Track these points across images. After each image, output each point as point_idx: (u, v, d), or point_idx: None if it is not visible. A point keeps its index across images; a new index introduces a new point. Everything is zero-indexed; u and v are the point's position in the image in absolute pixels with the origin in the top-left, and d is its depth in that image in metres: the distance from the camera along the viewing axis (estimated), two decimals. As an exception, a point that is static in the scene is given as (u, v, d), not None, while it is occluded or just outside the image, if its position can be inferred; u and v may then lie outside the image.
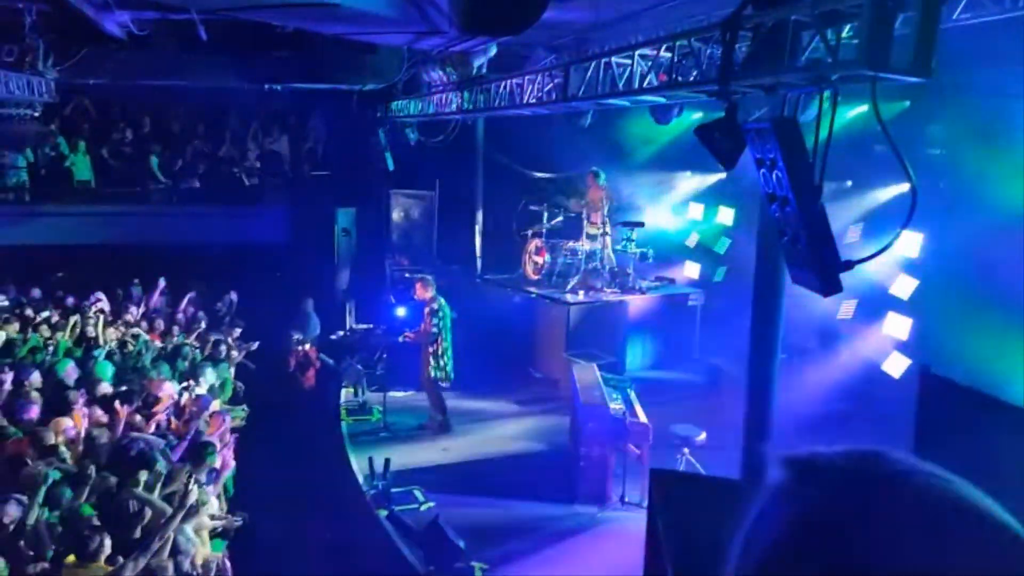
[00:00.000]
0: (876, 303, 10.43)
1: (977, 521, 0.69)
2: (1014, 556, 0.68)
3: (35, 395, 8.67)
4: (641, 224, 13.47)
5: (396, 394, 11.62)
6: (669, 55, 7.29)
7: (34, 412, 8.38)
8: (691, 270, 13.78)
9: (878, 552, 0.67)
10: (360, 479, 9.28)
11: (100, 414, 8.39)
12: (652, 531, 4.44)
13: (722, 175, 13.11)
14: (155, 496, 6.61)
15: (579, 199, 13.10)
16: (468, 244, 15.03)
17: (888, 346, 10.20)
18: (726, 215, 13.48)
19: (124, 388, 9.03)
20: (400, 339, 10.94)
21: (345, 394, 11.95)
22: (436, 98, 12.32)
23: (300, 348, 12.14)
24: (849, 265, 6.10)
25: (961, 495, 0.71)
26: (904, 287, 10.02)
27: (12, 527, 5.95)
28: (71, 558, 5.75)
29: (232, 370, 10.71)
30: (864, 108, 9.01)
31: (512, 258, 14.23)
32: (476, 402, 11.30)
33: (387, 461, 9.27)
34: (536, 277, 13.69)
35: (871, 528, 0.68)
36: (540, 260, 13.66)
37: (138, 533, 6.18)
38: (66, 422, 7.89)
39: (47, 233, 14.49)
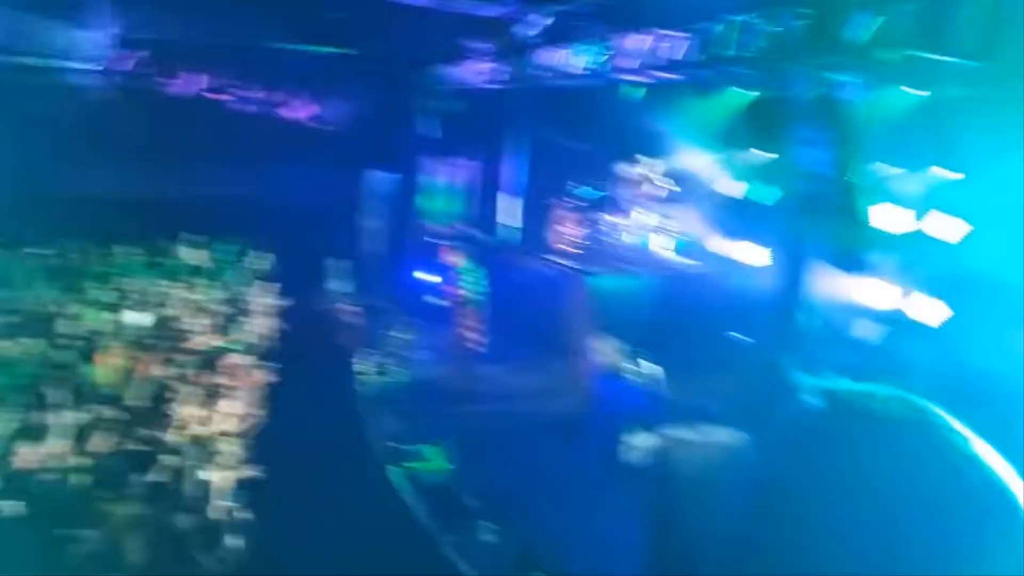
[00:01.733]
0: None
1: (989, 482, 0.73)
2: (1010, 519, 0.72)
3: (67, 342, 8.86)
4: (672, 199, 13.25)
5: (417, 355, 11.64)
6: (722, 30, 7.14)
7: (65, 357, 8.56)
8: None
9: (899, 488, 0.72)
10: (375, 437, 9.32)
11: (128, 359, 8.53)
12: (661, 494, 4.40)
13: (762, 153, 12.83)
14: (178, 440, 6.73)
15: (623, 178, 12.97)
16: (502, 213, 14.94)
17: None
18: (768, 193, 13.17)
19: (151, 335, 9.16)
20: (432, 303, 10.92)
21: (366, 353, 12.00)
22: (476, 66, 12.22)
23: (340, 307, 12.22)
24: (879, 245, 5.95)
25: (980, 456, 0.75)
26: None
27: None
28: (102, 494, 5.89)
29: (258, 324, 10.80)
30: (919, 92, 8.73)
31: (540, 227, 14.11)
32: (497, 367, 11.27)
33: (404, 423, 9.24)
34: (563, 248, 13.60)
35: (898, 466, 0.73)
36: (570, 231, 13.56)
37: (159, 474, 6.29)
38: (93, 369, 8.06)
39: (96, 186, 14.59)
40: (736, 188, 13.70)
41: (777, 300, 6.97)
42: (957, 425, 0.76)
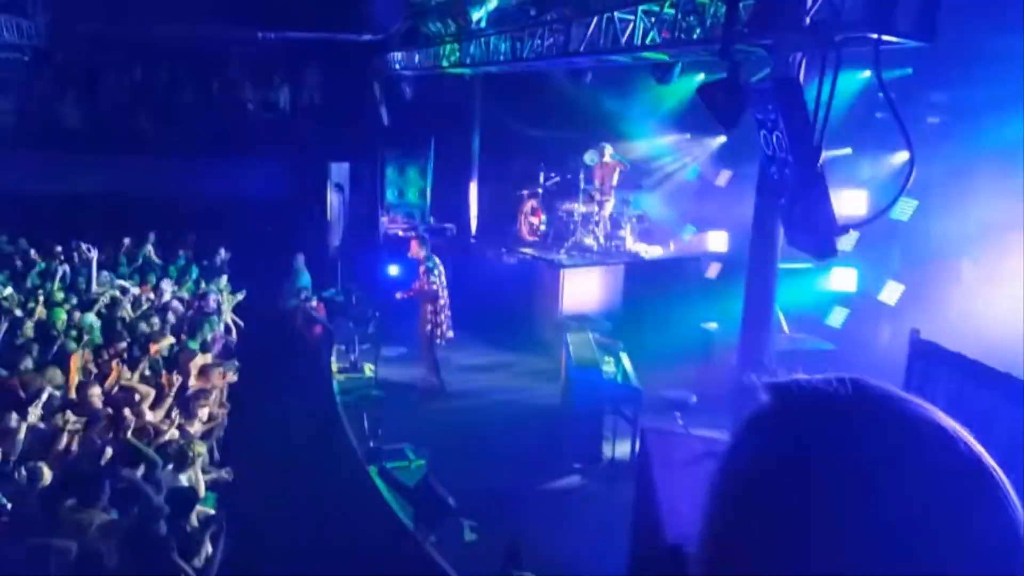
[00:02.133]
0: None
1: (950, 448, 0.72)
2: (977, 483, 0.71)
3: (30, 344, 8.67)
4: (638, 187, 13.38)
5: (388, 352, 11.61)
6: (673, 12, 7.17)
7: (27, 360, 8.38)
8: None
9: (856, 473, 0.69)
10: (351, 436, 9.31)
11: (90, 365, 8.38)
12: (641, 486, 4.47)
13: (723, 138, 13.00)
14: (146, 446, 6.65)
15: (585, 166, 13.04)
16: (463, 202, 14.92)
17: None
18: (723, 178, 13.38)
19: (113, 340, 8.99)
20: (397, 296, 10.88)
21: (336, 351, 11.95)
22: (433, 51, 12.13)
23: (308, 304, 12.09)
24: (845, 229, 6.07)
25: (937, 423, 0.73)
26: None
27: None
28: (70, 501, 5.80)
29: (223, 324, 10.67)
30: (867, 73, 8.91)
31: (507, 217, 14.13)
32: (469, 362, 11.31)
33: (377, 421, 9.28)
34: (531, 238, 13.63)
35: (850, 450, 0.71)
36: (536, 221, 13.59)
37: (129, 479, 6.21)
38: (56, 372, 7.90)
39: (36, 182, 14.27)
40: (695, 172, 13.88)
41: (743, 288, 7.08)
42: (911, 397, 0.75)
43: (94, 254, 11.52)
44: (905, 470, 0.69)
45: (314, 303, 12.15)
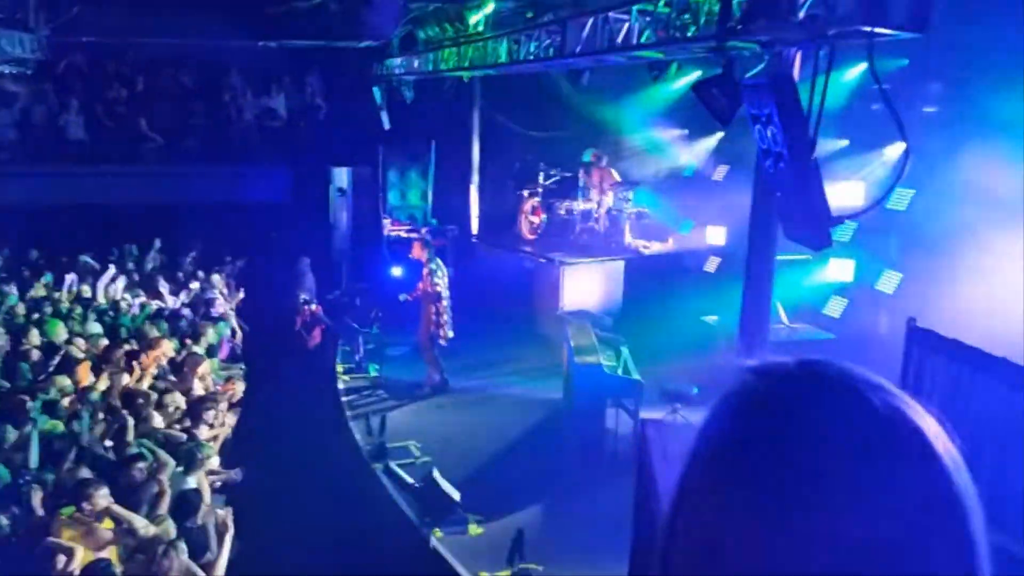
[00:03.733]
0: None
1: (903, 431, 0.72)
2: (920, 460, 0.71)
3: (34, 353, 8.76)
4: (636, 183, 13.44)
5: (392, 352, 11.69)
6: (667, 10, 7.24)
7: (34, 369, 8.48)
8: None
9: (809, 446, 0.70)
10: (357, 435, 9.40)
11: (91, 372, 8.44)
12: (641, 477, 4.53)
13: (721, 134, 13.06)
14: (157, 448, 6.72)
15: (582, 164, 13.16)
16: (464, 203, 15.02)
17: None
18: (720, 173, 13.45)
19: (118, 346, 9.06)
20: (401, 298, 10.98)
21: (341, 352, 12.03)
22: (432, 55, 12.21)
23: (307, 308, 12.17)
24: (840, 220, 6.13)
25: (897, 407, 0.73)
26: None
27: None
28: (67, 510, 5.81)
29: (228, 328, 10.76)
30: (863, 66, 8.97)
31: (508, 217, 14.21)
32: (472, 360, 11.38)
33: (383, 420, 9.38)
34: (532, 237, 13.71)
35: (809, 421, 0.72)
36: (536, 220, 13.67)
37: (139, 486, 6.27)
38: (64, 380, 7.99)
39: (41, 193, 14.39)
40: (692, 168, 13.95)
41: (741, 281, 7.14)
42: (876, 378, 0.75)
43: (91, 263, 11.66)
44: (839, 444, 0.70)
45: (313, 307, 12.22)
